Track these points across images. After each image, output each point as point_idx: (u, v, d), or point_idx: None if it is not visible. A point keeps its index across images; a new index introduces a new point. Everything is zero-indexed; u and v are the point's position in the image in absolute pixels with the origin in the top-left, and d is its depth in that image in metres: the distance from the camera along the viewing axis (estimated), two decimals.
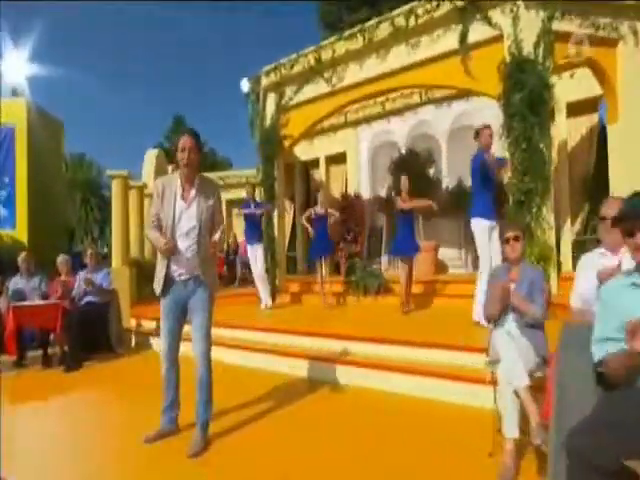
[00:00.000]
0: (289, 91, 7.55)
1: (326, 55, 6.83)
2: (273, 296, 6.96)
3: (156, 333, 5.42)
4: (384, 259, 8.80)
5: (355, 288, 6.35)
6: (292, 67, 7.32)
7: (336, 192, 10.20)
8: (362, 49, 6.45)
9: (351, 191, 9.49)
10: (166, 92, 61.25)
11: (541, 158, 5.03)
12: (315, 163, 10.42)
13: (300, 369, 3.94)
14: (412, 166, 7.90)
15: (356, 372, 3.63)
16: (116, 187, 6.77)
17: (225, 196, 12.15)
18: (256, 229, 6.38)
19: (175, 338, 2.56)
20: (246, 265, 8.95)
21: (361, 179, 9.61)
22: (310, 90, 7.21)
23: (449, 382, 3.16)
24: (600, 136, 7.07)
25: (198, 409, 2.52)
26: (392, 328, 4.38)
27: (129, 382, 4.05)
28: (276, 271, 7.11)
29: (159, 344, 4.98)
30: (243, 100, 8.81)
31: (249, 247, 6.38)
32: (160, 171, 10.05)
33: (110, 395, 3.71)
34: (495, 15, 5.34)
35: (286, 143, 7.64)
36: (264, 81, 7.78)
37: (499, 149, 5.14)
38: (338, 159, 10.12)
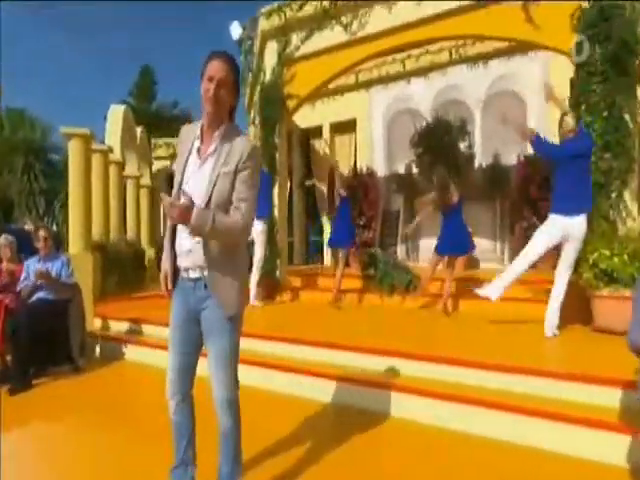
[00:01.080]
0: (295, 39, 6.72)
1: None
2: (274, 292, 6.30)
3: (129, 339, 4.68)
4: (400, 249, 8.21)
5: (378, 285, 5.71)
6: (300, 8, 6.50)
7: (342, 167, 9.50)
8: None
9: (362, 167, 8.78)
10: (132, 38, 58.02)
11: (625, 130, 4.44)
12: (317, 131, 9.67)
13: (335, 394, 3.35)
14: (441, 138, 7.25)
15: (420, 403, 3.04)
16: (75, 150, 5.87)
17: None
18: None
19: (187, 361, 1.91)
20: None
21: (374, 153, 8.94)
22: (323, 38, 6.40)
23: (568, 426, 2.56)
24: None
25: (221, 469, 1.94)
26: (451, 342, 3.88)
27: (98, 408, 3.38)
28: (276, 261, 6.40)
29: (139, 353, 4.35)
30: (233, 49, 7.96)
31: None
32: (129, 135, 9.09)
33: (71, 429, 3.03)
34: None
35: (290, 104, 6.85)
36: (263, 25, 6.94)
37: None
38: (346, 127, 9.38)
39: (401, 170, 8.46)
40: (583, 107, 4.62)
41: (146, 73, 24.17)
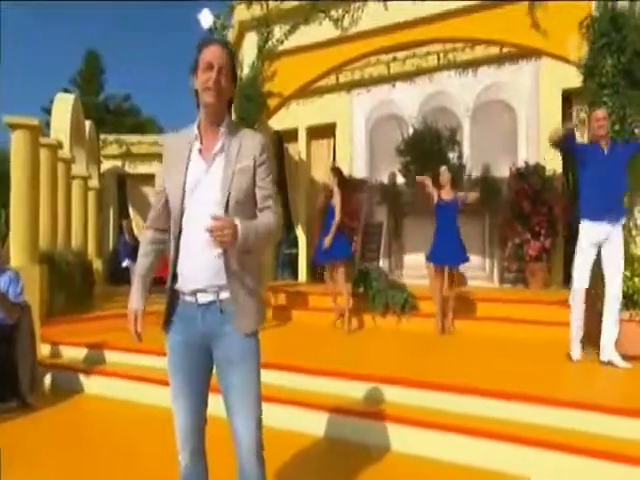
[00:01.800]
0: (278, 31, 6.53)
1: None
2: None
3: (88, 369, 4.21)
4: (383, 263, 8.10)
5: (371, 304, 5.52)
6: None
7: (318, 174, 9.33)
8: None
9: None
10: (79, 23, 55.30)
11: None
12: (292, 135, 9.47)
13: (329, 426, 3.18)
14: (431, 147, 7.24)
15: (422, 435, 2.92)
16: (19, 143, 5.31)
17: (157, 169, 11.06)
18: None
19: (197, 409, 1.74)
20: None
21: (355, 160, 8.82)
22: (310, 33, 6.25)
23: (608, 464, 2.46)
24: None
25: None
26: (455, 367, 3.77)
27: (56, 455, 2.94)
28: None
29: (103, 385, 4.06)
30: (200, 35, 7.65)
31: None
32: (76, 130, 8.46)
33: None
34: None
35: (271, 103, 6.61)
36: (241, 14, 6.71)
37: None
38: (324, 131, 9.24)
39: (385, 179, 8.40)
40: None
41: (92, 60, 22.94)
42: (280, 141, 9.72)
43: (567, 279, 7.03)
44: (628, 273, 4.01)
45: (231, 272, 1.61)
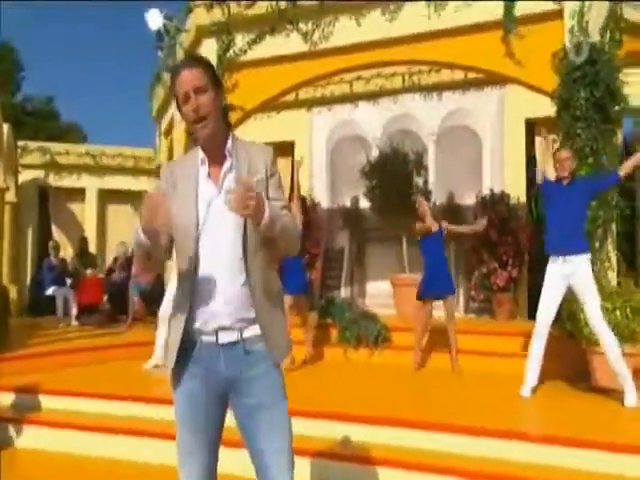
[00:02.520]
0: (241, 40, 6.48)
1: None
2: None
3: (19, 418, 3.80)
4: (345, 292, 8.10)
5: (341, 336, 5.46)
6: (251, 5, 6.29)
7: None
8: None
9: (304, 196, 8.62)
10: None
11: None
12: None
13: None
14: (397, 171, 7.42)
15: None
16: None
17: (101, 183, 10.44)
18: None
19: (209, 470, 1.65)
20: (147, 296, 7.46)
21: (314, 182, 8.83)
22: (277, 44, 6.31)
23: None
24: None
25: None
26: (441, 403, 3.83)
27: None
28: None
29: (39, 437, 3.84)
30: (145, 39, 7.48)
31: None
32: None
33: None
34: None
35: (232, 117, 6.46)
36: (200, 18, 6.61)
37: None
38: (282, 150, 9.18)
39: (347, 203, 8.49)
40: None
41: (5, 54, 21.39)
42: None
43: (532, 310, 7.40)
44: (609, 305, 4.24)
45: (258, 299, 1.56)
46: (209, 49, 6.64)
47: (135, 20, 51.09)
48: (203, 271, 1.56)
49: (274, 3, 6.17)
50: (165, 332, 5.10)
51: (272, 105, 8.67)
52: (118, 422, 3.72)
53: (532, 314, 7.15)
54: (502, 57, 5.45)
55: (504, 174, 7.87)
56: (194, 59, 1.69)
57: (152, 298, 7.68)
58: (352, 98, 8.73)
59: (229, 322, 1.55)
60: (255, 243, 1.56)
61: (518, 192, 7.66)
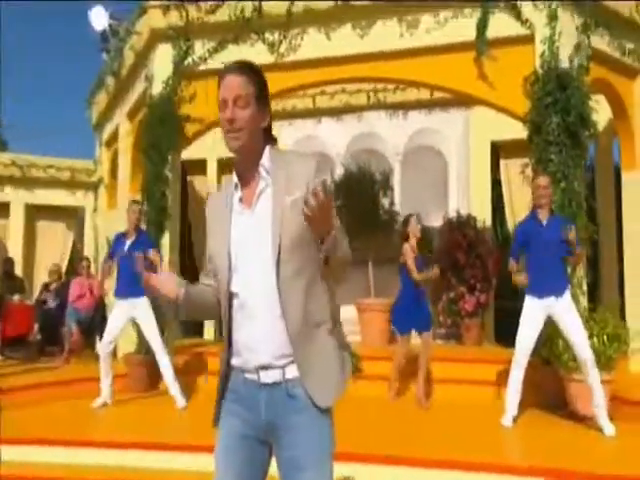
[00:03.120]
0: (201, 47, 6.45)
1: (275, 8, 6.05)
2: (156, 377, 5.51)
3: None
4: None
5: None
6: (213, 11, 6.29)
7: None
8: (333, 12, 5.92)
9: None
10: None
11: (578, 203, 5.22)
12: (199, 167, 9.22)
13: None
14: (364, 191, 7.53)
15: None
16: None
17: (29, 198, 9.69)
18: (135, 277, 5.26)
19: None
20: (86, 326, 7.14)
21: None
22: (240, 54, 6.26)
23: None
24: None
25: None
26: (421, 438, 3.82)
27: None
28: (165, 334, 5.62)
29: None
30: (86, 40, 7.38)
31: (119, 303, 5.16)
32: None
33: None
34: (526, 9, 5.48)
35: (190, 129, 6.44)
36: (152, 20, 6.54)
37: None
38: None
39: None
40: None
41: None
42: (184, 173, 9.37)
43: (499, 336, 7.66)
44: (605, 338, 4.47)
45: (295, 333, 1.45)
46: (164, 55, 6.58)
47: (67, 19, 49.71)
48: (239, 303, 1.51)
49: (238, 12, 6.19)
50: (108, 368, 4.92)
51: None
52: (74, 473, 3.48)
53: (499, 339, 7.49)
54: (474, 78, 5.73)
55: (470, 196, 8.17)
56: (243, 65, 1.59)
57: (91, 329, 7.35)
58: (315, 113, 8.82)
59: (269, 360, 1.47)
60: (292, 270, 1.48)
61: (484, 215, 7.96)
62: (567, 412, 4.51)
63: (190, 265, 8.84)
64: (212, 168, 9.18)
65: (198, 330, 8.56)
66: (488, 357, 6.02)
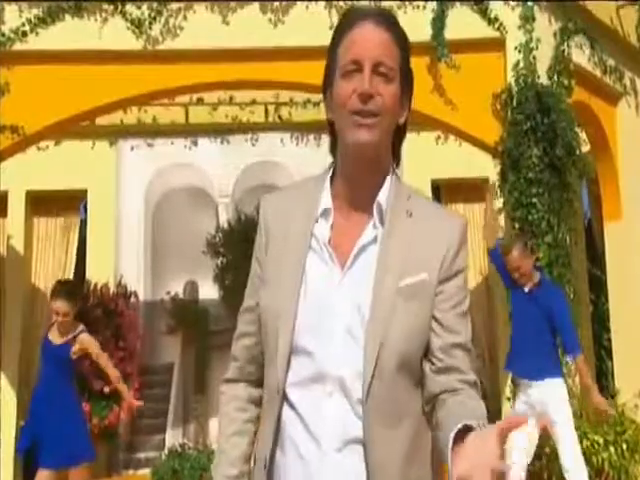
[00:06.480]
0: (16, 15, 6.10)
1: None
2: None
3: None
4: (175, 434, 7.70)
5: None
6: None
7: (46, 279, 8.56)
8: None
9: (98, 283, 8.18)
10: None
11: (567, 262, 5.55)
12: None
13: None
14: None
15: None
16: None
17: None
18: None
19: None
20: None
21: (122, 260, 8.50)
22: (84, 31, 6.09)
23: None
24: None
25: None
26: None
27: None
28: None
29: None
30: None
31: None
32: None
33: None
34: (496, 7, 5.88)
35: (4, 139, 6.02)
36: None
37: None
38: (64, 204, 8.77)
39: (179, 292, 8.40)
40: (517, 225, 5.51)
41: None
42: None
43: None
44: (598, 438, 4.71)
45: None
46: None
47: None
48: (295, 396, 1.38)
49: None
50: None
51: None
52: None
53: None
54: (426, 92, 5.90)
55: None
56: (390, 17, 1.45)
57: None
58: (188, 130, 8.78)
59: None
60: (397, 362, 1.34)
61: None
62: None
63: None
64: (17, 206, 8.64)
65: None
66: None
